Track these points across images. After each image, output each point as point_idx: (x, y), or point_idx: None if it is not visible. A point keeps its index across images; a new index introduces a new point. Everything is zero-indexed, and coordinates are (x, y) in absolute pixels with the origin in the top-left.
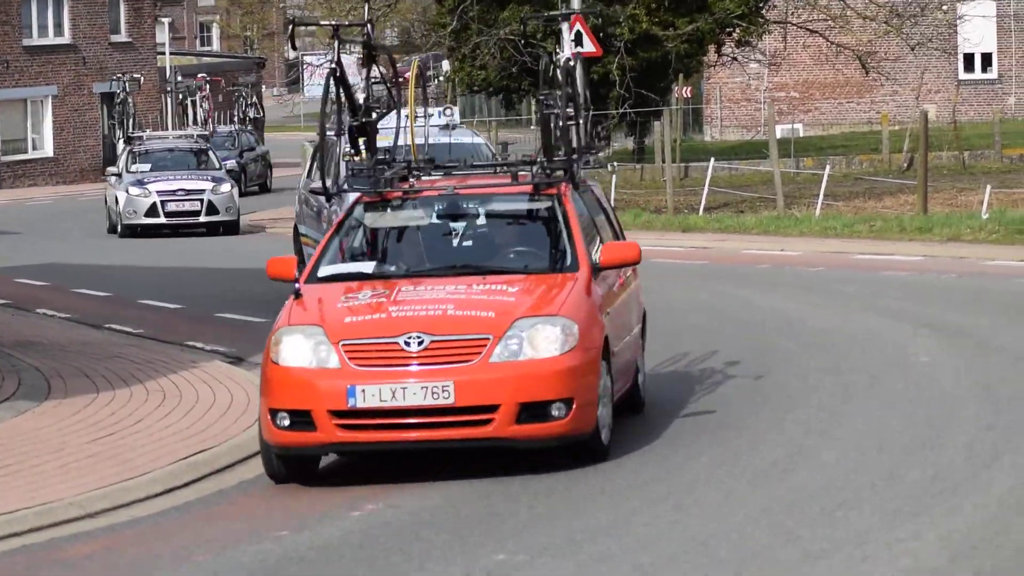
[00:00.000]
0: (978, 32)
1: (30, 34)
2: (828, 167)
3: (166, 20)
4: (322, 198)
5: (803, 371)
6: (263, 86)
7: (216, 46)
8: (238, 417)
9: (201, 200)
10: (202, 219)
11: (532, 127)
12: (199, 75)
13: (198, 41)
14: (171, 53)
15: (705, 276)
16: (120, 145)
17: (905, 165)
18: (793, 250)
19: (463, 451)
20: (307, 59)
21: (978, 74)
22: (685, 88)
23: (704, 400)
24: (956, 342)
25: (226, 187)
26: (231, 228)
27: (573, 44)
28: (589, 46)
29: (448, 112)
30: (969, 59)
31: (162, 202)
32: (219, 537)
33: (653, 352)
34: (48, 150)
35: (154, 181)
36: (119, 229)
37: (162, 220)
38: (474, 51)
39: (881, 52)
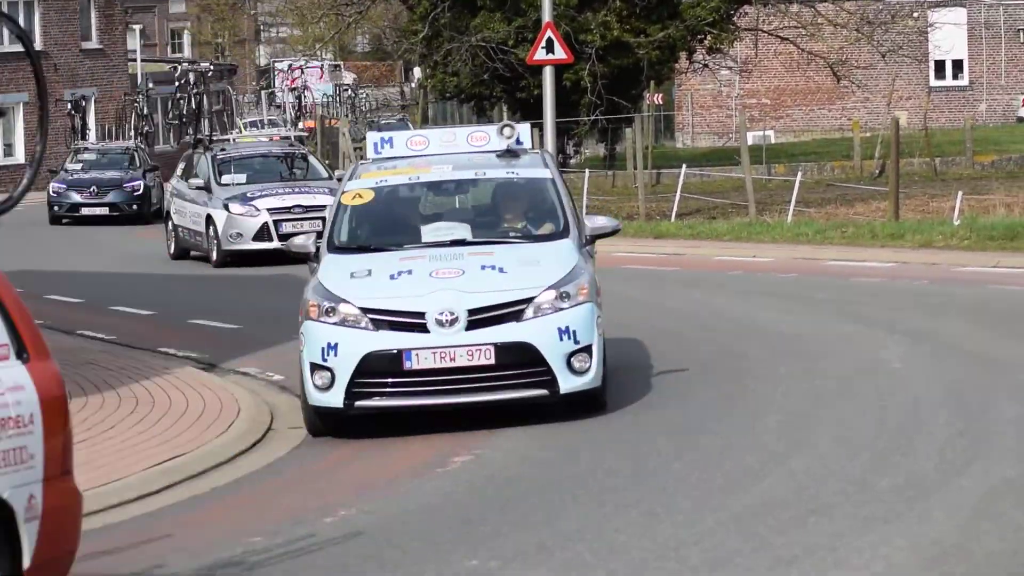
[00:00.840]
0: (949, 39)
1: (1, 41)
2: (800, 174)
3: (137, 27)
4: (196, 193)
5: (775, 377)
6: (235, 92)
7: (187, 53)
8: (211, 423)
9: (323, 219)
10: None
11: None
12: (202, 64)
13: (169, 48)
14: (142, 60)
15: (677, 282)
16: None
17: (877, 172)
18: (765, 256)
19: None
20: (278, 65)
21: (949, 81)
22: (657, 95)
23: (675, 406)
24: (928, 348)
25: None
26: None
27: (544, 51)
28: (560, 53)
29: (508, 132)
30: (940, 66)
31: (275, 222)
32: (192, 543)
33: (625, 357)
34: (20, 157)
35: (260, 196)
36: (214, 256)
37: (275, 244)
38: (446, 58)
39: (852, 59)
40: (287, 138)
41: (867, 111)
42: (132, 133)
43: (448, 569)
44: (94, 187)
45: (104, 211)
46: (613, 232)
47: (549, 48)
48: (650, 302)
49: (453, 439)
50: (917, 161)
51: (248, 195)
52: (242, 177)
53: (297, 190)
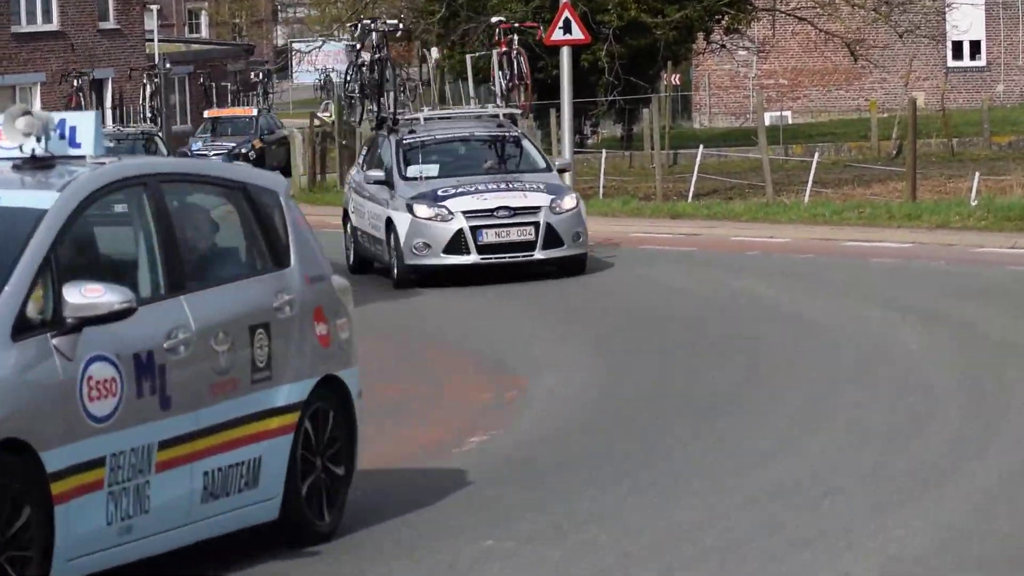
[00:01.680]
0: (967, 19)
1: (19, 21)
2: (817, 154)
3: (154, 7)
4: (376, 188)
5: (791, 359)
6: (251, 73)
7: (205, 33)
8: None
9: (535, 225)
10: (538, 255)
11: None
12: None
13: (187, 28)
14: (159, 40)
15: (693, 263)
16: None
17: (894, 152)
18: (782, 237)
19: None
20: (296, 46)
21: (967, 61)
22: (674, 75)
23: (691, 388)
24: (944, 329)
25: (570, 200)
26: (577, 265)
27: (562, 32)
28: (578, 33)
29: (24, 124)
30: (958, 46)
31: (473, 229)
32: None
33: (640, 339)
34: None
35: (456, 194)
36: (394, 272)
37: (473, 259)
38: (463, 38)
39: (870, 39)
40: (495, 117)
41: (884, 91)
42: (148, 115)
43: (463, 550)
44: None
45: None
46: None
47: (567, 28)
48: (666, 283)
49: (469, 420)
50: (934, 142)
51: (440, 193)
52: (434, 168)
53: (505, 186)
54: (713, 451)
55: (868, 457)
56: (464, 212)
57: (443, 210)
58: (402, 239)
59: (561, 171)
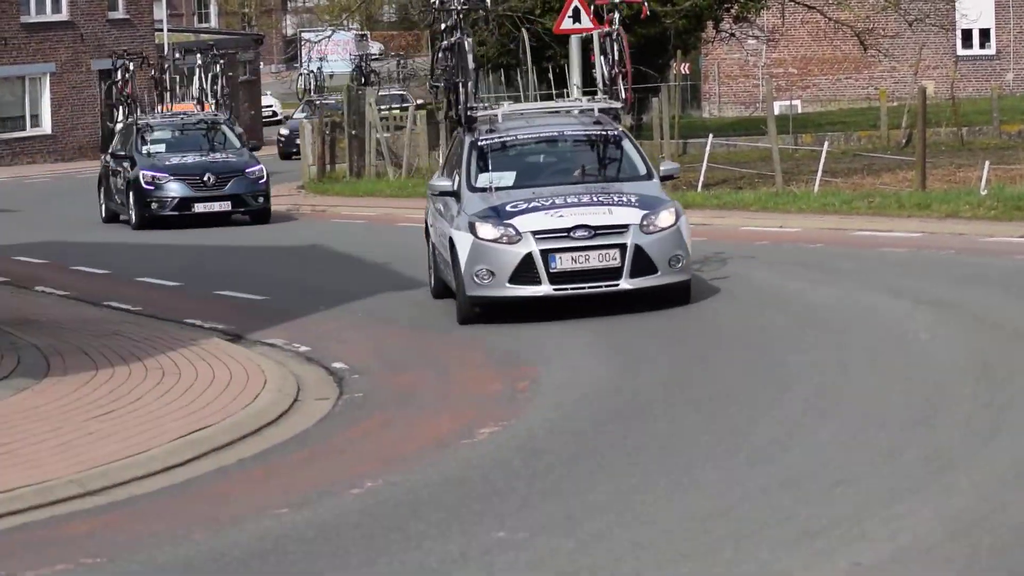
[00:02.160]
0: (976, 8)
1: (28, 11)
2: (826, 143)
3: None
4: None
5: (801, 348)
6: (261, 62)
7: (214, 23)
8: (237, 395)
9: (622, 247)
10: (625, 284)
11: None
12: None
13: (196, 18)
14: (169, 30)
15: (703, 252)
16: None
17: (903, 141)
18: (792, 226)
19: None
20: (305, 35)
21: (976, 50)
22: (683, 64)
23: (701, 377)
24: (954, 319)
25: (668, 216)
26: (681, 294)
27: (571, 20)
28: (587, 22)
29: None
30: (967, 35)
31: (544, 253)
32: (218, 515)
33: (649, 329)
34: (46, 127)
35: (525, 210)
36: (461, 310)
37: (545, 290)
38: (473, 27)
39: (879, 28)
40: (589, 111)
41: (894, 80)
42: (208, 100)
43: (475, 540)
44: (208, 175)
45: (225, 206)
46: None
47: (576, 17)
48: None
49: (480, 410)
50: (944, 131)
51: (509, 208)
52: (509, 177)
53: (589, 199)
54: (724, 441)
55: (880, 445)
56: (534, 232)
57: (510, 230)
58: (462, 265)
59: (666, 178)
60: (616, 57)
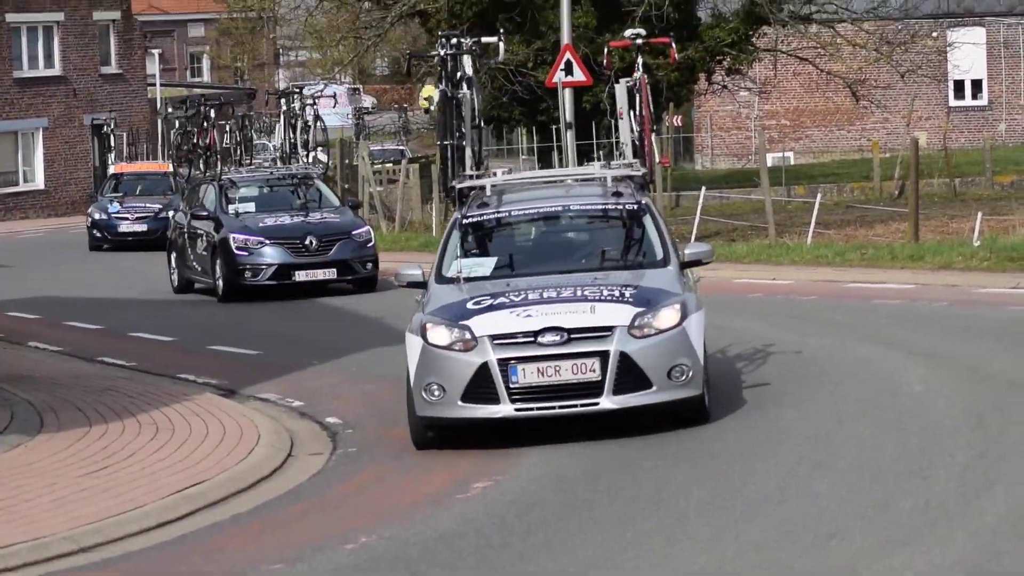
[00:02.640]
0: (968, 59)
1: (20, 66)
2: (819, 195)
3: (156, 52)
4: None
5: (795, 400)
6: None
7: (207, 77)
8: (231, 449)
9: (602, 356)
10: (606, 403)
11: (523, 156)
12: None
13: (188, 72)
14: (161, 84)
15: None
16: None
17: (896, 193)
18: (785, 279)
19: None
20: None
21: (968, 101)
22: (676, 116)
23: (695, 430)
24: (948, 370)
25: (670, 315)
26: (688, 412)
27: (564, 73)
28: (579, 75)
29: None
30: (959, 86)
31: (503, 363)
32: (212, 571)
33: None
34: (39, 182)
35: (486, 308)
36: (413, 432)
37: (504, 410)
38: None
39: (871, 79)
40: (624, 178)
41: (886, 131)
42: (231, 157)
43: None
44: (310, 238)
45: (330, 273)
46: None
47: (568, 70)
48: None
49: (473, 465)
50: (936, 182)
51: (470, 306)
52: (487, 264)
53: (570, 293)
54: (719, 494)
55: (875, 496)
56: (492, 337)
57: (465, 333)
58: (411, 377)
59: (688, 265)
60: (639, 112)
